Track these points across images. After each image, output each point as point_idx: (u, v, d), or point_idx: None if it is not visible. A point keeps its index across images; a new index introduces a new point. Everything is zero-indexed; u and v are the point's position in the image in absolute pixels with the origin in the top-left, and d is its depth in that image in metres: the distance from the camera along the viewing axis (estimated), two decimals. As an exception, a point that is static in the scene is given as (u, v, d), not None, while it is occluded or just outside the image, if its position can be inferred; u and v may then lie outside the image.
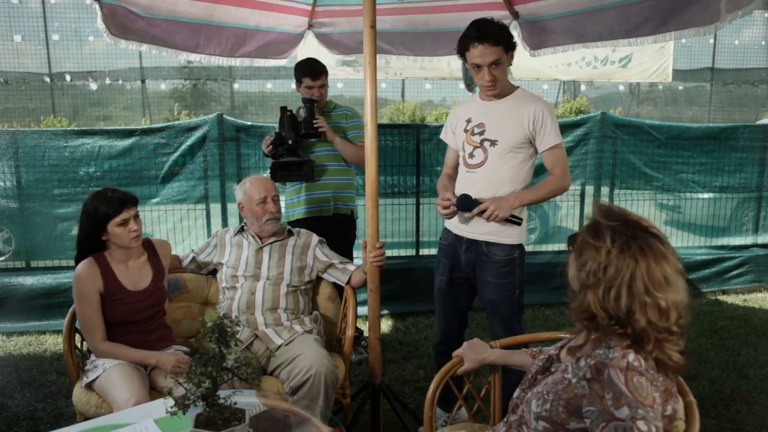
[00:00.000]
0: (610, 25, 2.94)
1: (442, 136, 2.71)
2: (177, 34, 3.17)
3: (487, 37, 2.30)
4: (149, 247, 2.48)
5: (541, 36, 3.30)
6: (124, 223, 2.28)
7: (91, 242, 2.32)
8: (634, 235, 1.31)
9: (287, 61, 3.77)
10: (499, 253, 2.46)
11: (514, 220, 2.40)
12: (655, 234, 1.34)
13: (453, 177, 2.65)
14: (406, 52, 3.79)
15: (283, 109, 3.33)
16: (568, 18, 3.12)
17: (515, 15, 3.30)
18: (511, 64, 2.44)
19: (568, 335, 1.64)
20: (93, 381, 2.22)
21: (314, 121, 3.26)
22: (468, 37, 2.35)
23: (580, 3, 2.97)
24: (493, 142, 2.43)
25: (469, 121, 2.52)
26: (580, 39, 3.16)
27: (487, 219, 2.38)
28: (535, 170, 2.54)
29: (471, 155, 2.49)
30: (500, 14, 3.27)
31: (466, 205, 2.41)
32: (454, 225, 2.58)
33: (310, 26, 3.66)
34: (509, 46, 2.38)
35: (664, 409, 1.31)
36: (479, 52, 2.33)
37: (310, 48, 3.74)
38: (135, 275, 2.39)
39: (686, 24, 2.60)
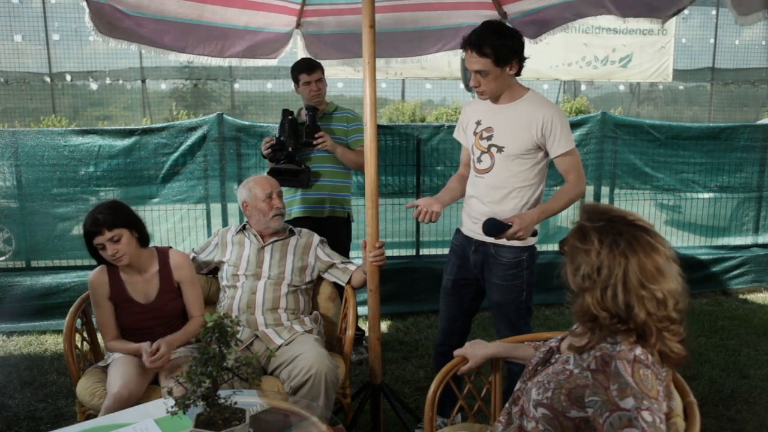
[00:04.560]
0: (600, 6, 2.94)
1: (455, 134, 2.68)
2: (165, 34, 3.16)
3: (474, 46, 2.29)
4: (163, 259, 2.45)
5: (534, 27, 3.29)
6: (102, 247, 2.27)
7: (95, 253, 2.34)
8: (620, 232, 1.33)
9: (277, 62, 3.77)
10: (506, 255, 2.45)
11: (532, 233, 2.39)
12: (642, 226, 1.35)
13: (465, 176, 2.63)
14: (395, 54, 3.78)
15: (285, 112, 3.32)
16: (556, 7, 3.11)
17: (503, 15, 3.30)
18: (517, 74, 2.37)
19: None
20: (107, 366, 2.38)
21: (315, 140, 3.25)
22: (464, 38, 2.34)
23: None
24: (500, 148, 2.41)
25: (478, 123, 2.49)
26: (578, 16, 3.14)
27: (516, 239, 2.30)
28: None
29: (479, 160, 2.48)
30: (489, 14, 3.27)
31: (494, 230, 2.29)
32: (465, 226, 2.58)
33: (299, 25, 3.65)
34: (502, 61, 2.29)
35: (661, 406, 1.32)
36: (467, 57, 2.33)
37: (300, 52, 3.75)
38: (144, 286, 2.41)
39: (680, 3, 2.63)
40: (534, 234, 2.39)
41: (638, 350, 1.28)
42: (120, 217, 2.29)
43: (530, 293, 2.52)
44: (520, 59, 2.35)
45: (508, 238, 2.30)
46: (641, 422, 1.19)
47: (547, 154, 2.43)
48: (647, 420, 1.20)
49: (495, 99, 2.44)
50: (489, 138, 2.44)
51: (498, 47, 2.26)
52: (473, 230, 2.52)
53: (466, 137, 2.58)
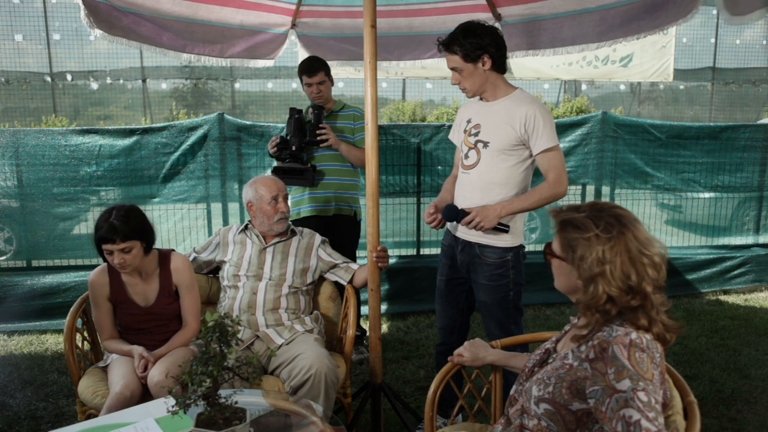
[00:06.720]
0: (587, 28, 2.97)
1: (450, 136, 2.71)
2: (164, 33, 3.17)
3: (444, 45, 2.39)
4: (164, 262, 2.45)
5: (516, 40, 3.31)
6: (110, 252, 2.26)
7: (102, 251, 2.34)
8: (607, 215, 1.40)
9: (275, 62, 3.77)
10: (491, 256, 2.46)
11: (501, 228, 2.39)
12: (614, 206, 1.45)
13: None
14: (388, 57, 3.78)
15: (292, 111, 3.30)
16: (548, 21, 3.13)
17: (498, 17, 3.30)
18: (498, 71, 2.40)
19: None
20: (106, 366, 2.39)
21: (318, 132, 3.23)
22: (438, 40, 2.43)
23: (563, 6, 2.98)
24: (485, 144, 2.43)
25: (468, 121, 2.52)
26: (552, 44, 3.20)
27: (475, 229, 2.39)
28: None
29: (466, 156, 2.50)
30: (484, 16, 3.27)
31: (452, 215, 2.43)
32: (452, 226, 2.59)
33: (294, 25, 3.65)
34: (469, 57, 2.35)
35: (656, 389, 1.32)
36: (446, 57, 2.42)
37: (301, 51, 3.75)
38: (144, 288, 2.42)
39: (660, 24, 2.67)
40: (504, 230, 2.40)
41: (633, 335, 1.32)
42: (135, 227, 2.25)
43: (518, 293, 2.51)
44: (492, 55, 2.37)
45: (470, 227, 2.38)
46: (637, 402, 1.22)
47: (531, 155, 2.43)
48: (643, 400, 1.22)
49: (482, 97, 2.48)
50: (476, 134, 2.46)
51: (464, 44, 2.35)
52: (460, 230, 2.54)
53: (458, 137, 2.61)
